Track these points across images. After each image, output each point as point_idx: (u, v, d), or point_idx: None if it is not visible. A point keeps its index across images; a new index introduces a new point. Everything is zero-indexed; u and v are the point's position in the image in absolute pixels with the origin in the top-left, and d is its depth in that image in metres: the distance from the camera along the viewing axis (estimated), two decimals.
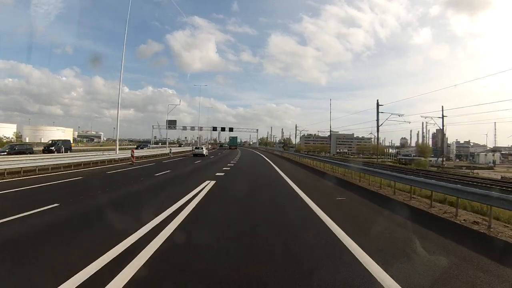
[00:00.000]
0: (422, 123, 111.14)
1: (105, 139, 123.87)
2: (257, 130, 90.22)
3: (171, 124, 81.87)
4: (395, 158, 57.98)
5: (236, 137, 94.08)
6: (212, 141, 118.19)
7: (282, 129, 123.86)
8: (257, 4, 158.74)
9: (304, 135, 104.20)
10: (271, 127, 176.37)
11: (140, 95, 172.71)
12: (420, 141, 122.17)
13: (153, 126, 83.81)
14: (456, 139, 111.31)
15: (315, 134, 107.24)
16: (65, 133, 73.03)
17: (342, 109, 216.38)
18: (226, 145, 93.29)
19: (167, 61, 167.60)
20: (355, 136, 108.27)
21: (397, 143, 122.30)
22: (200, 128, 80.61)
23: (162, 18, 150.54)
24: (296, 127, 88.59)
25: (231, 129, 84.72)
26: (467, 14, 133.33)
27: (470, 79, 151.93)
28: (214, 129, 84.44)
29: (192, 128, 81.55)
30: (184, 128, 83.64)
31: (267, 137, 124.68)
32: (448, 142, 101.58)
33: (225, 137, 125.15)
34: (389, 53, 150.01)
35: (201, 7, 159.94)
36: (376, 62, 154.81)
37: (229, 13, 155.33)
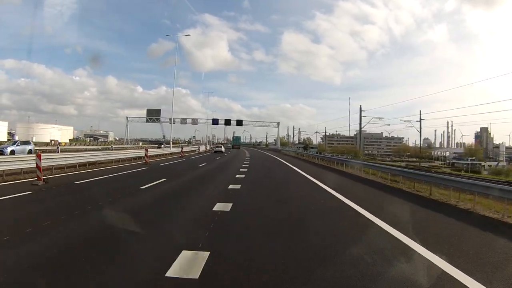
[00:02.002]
0: (447, 122, 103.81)
1: (117, 138, 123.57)
2: (278, 123, 72.11)
3: (152, 115, 65.10)
4: (444, 162, 49.79)
5: (239, 137, 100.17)
6: (225, 141, 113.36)
7: (299, 129, 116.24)
8: (268, 1, 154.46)
9: (325, 134, 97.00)
10: (290, 126, 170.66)
11: (154, 95, 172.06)
12: (445, 141, 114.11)
13: (127, 118, 69.12)
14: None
15: (338, 134, 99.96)
16: (62, 132, 69.42)
17: (357, 109, 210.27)
18: (229, 145, 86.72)
19: (179, 60, 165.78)
20: (384, 135, 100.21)
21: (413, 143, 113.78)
22: (194, 121, 66.95)
23: (172, 16, 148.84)
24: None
25: (239, 123, 67.16)
26: (483, 8, 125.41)
27: (487, 77, 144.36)
28: (215, 122, 65.69)
29: (184, 121, 65.40)
30: (172, 121, 69.71)
31: (289, 137, 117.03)
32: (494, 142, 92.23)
33: (239, 134, 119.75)
34: (404, 51, 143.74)
35: (212, 5, 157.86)
36: (391, 60, 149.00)
37: (240, 11, 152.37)
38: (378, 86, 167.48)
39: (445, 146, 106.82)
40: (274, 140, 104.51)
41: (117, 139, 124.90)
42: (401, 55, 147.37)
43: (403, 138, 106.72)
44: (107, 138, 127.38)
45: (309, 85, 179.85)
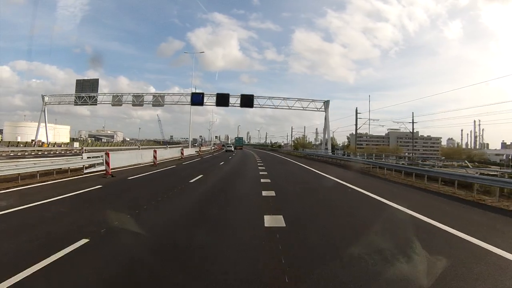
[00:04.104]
0: (474, 121, 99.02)
1: (127, 138, 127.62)
2: (327, 102, 44.49)
3: (85, 90, 41.45)
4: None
5: (242, 137, 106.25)
6: (232, 141, 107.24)
7: (316, 129, 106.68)
8: None
9: (352, 133, 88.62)
10: (306, 127, 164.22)
11: (167, 95, 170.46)
12: (472, 142, 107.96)
13: (42, 96, 46.86)
14: (503, 140, 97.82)
15: (365, 133, 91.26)
16: (55, 131, 64.61)
17: (372, 107, 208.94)
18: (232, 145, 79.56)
19: (190, 60, 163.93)
20: (420, 135, 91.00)
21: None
22: (158, 102, 43.18)
23: (182, 16, 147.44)
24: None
25: (247, 101, 39.71)
26: (499, 2, 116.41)
27: (503, 75, 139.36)
28: (196, 100, 39.49)
29: (138, 101, 42.80)
30: (117, 100, 42.31)
31: (305, 137, 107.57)
32: None
33: (251, 135, 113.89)
34: (418, 49, 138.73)
35: (221, 3, 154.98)
36: (404, 58, 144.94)
37: (250, 8, 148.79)
38: (391, 85, 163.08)
39: (472, 147, 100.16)
40: (295, 140, 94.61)
41: (128, 139, 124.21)
42: (415, 53, 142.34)
43: (440, 138, 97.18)
44: (113, 138, 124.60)
45: (323, 85, 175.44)
